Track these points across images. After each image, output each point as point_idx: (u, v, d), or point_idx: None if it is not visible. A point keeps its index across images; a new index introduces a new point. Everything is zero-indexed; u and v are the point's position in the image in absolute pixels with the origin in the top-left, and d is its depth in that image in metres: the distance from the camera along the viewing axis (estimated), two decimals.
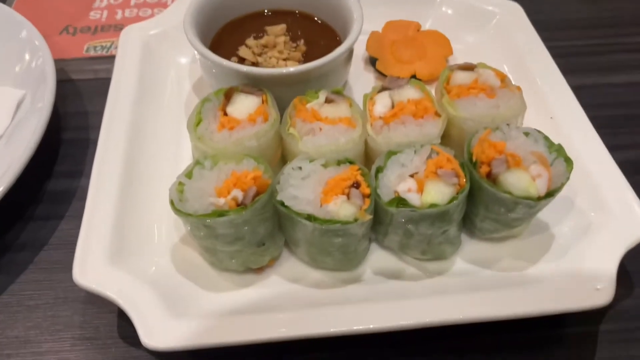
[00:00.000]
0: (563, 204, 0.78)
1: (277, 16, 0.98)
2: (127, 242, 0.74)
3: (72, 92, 1.05)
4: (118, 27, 1.13)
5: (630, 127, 0.98)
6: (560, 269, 0.71)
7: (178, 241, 0.77)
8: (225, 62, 0.83)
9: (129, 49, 0.98)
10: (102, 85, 0.95)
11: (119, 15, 1.17)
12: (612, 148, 0.84)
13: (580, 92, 0.92)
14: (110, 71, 0.96)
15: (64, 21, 1.16)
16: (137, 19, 1.16)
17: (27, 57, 0.98)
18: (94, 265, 0.70)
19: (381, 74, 1.00)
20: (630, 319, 0.74)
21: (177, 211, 0.67)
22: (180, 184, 0.69)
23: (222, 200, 0.67)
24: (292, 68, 0.83)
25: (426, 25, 1.08)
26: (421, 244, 0.72)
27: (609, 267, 0.69)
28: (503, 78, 0.81)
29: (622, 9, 1.22)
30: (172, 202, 0.68)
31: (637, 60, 1.10)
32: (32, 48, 0.97)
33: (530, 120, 0.86)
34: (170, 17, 1.03)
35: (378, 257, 0.76)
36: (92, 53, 1.10)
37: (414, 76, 0.98)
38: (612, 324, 0.74)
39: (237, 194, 0.68)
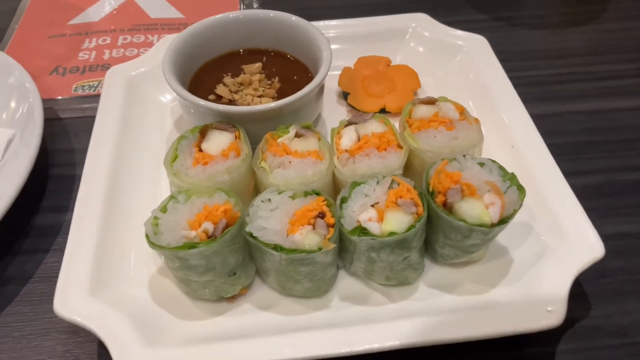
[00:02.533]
0: (521, 230, 0.82)
1: (253, 55, 1.04)
2: (107, 274, 0.78)
3: (60, 130, 1.10)
4: (105, 67, 1.19)
5: (592, 153, 1.02)
6: (517, 292, 0.75)
7: (155, 272, 0.81)
8: (201, 101, 0.88)
9: (113, 89, 1.03)
10: (89, 123, 1.00)
11: (106, 56, 1.23)
12: (574, 174, 0.89)
13: (546, 120, 0.97)
14: (97, 109, 1.01)
15: (54, 62, 1.22)
16: (124, 58, 1.22)
17: (17, 98, 1.03)
18: (74, 297, 0.74)
19: (353, 108, 1.05)
20: (588, 339, 0.77)
21: (152, 244, 0.71)
22: (156, 218, 0.73)
23: (193, 233, 0.71)
24: (264, 105, 0.88)
25: (396, 60, 1.13)
26: (384, 271, 0.76)
27: (561, 289, 0.72)
28: (462, 111, 0.86)
29: (586, 39, 1.27)
30: (147, 236, 0.72)
31: (600, 89, 1.14)
32: (21, 90, 1.03)
33: (492, 149, 0.91)
34: (154, 57, 1.09)
35: (345, 284, 0.80)
36: (80, 92, 1.15)
37: (383, 109, 1.03)
38: (571, 343, 0.77)
39: (208, 226, 0.72)
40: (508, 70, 1.06)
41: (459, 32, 1.14)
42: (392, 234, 0.71)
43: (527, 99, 1.00)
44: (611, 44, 1.26)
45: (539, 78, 1.18)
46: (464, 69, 1.08)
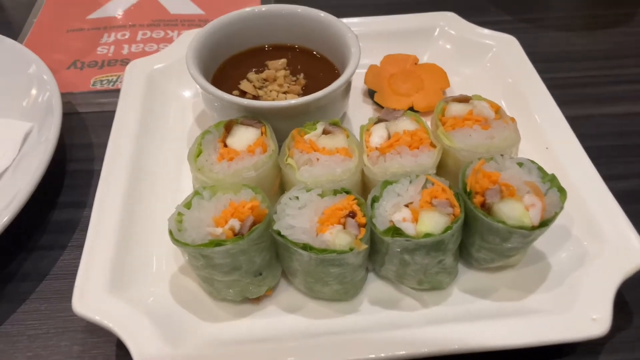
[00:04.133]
0: (559, 234, 0.79)
1: (278, 51, 1.01)
2: (127, 272, 0.75)
3: (78, 124, 1.07)
4: (124, 62, 1.17)
5: (625, 157, 0.98)
6: (557, 299, 0.71)
7: (177, 271, 0.78)
8: (226, 95, 0.86)
9: (134, 83, 1.01)
10: (107, 118, 0.97)
11: (125, 50, 1.21)
12: (608, 178, 0.85)
13: (577, 123, 0.94)
14: (115, 104, 0.98)
15: (72, 56, 1.20)
16: (143, 53, 1.19)
17: (35, 90, 1.01)
18: (93, 295, 0.71)
19: (379, 106, 1.02)
20: (631, 350, 0.73)
21: (176, 241, 0.68)
22: (179, 214, 0.71)
23: (219, 230, 0.68)
24: (291, 101, 0.85)
25: (424, 59, 1.10)
26: (418, 274, 0.72)
27: (606, 297, 0.68)
28: (497, 109, 0.83)
29: (616, 42, 1.24)
30: (170, 233, 0.69)
31: (632, 92, 1.11)
32: (40, 82, 1.01)
33: (526, 151, 0.87)
34: (175, 52, 1.06)
35: (375, 287, 0.77)
36: (98, 87, 1.13)
37: (411, 108, 1.00)
38: (612, 354, 0.73)
39: (235, 223, 0.69)
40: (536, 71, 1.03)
41: (488, 32, 1.11)
42: (427, 235, 0.68)
43: (557, 102, 0.96)
44: None
45: (568, 80, 1.15)
46: (494, 69, 1.05)
